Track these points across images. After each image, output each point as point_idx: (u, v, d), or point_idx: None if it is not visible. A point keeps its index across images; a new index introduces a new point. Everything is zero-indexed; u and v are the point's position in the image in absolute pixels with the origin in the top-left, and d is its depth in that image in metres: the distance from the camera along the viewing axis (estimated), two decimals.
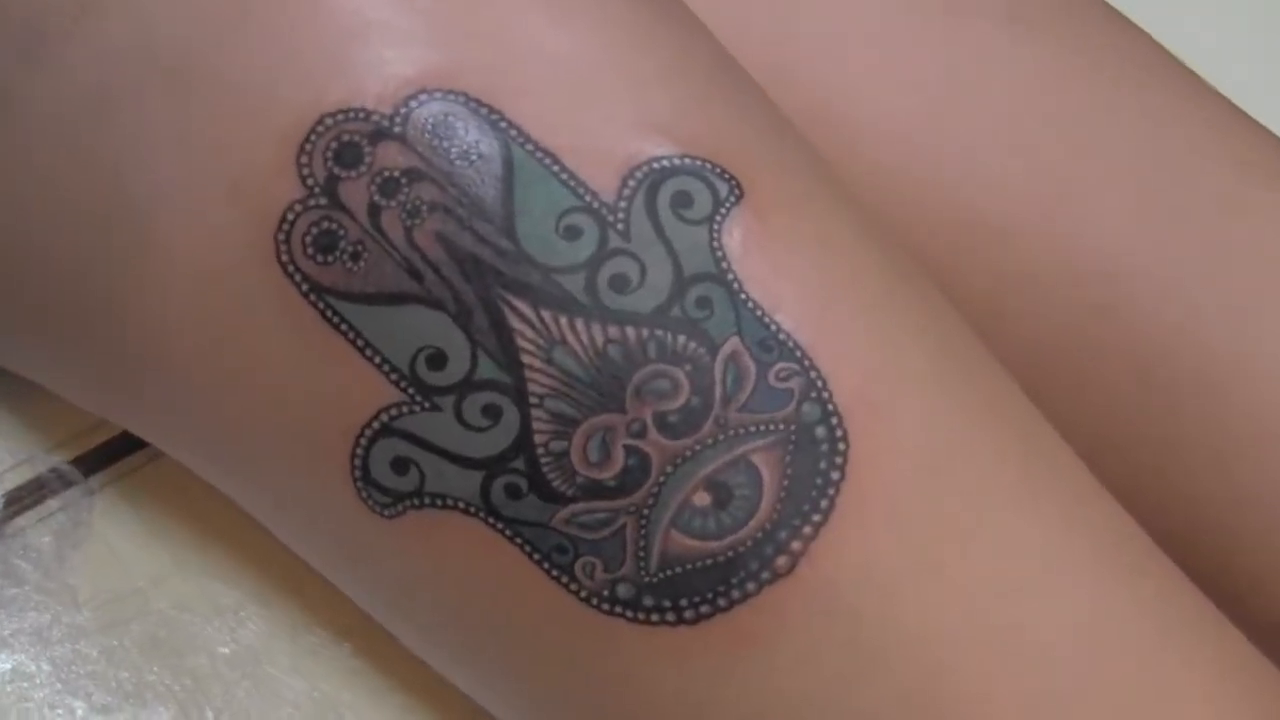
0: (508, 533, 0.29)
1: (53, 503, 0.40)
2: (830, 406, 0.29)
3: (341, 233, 0.29)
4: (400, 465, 0.30)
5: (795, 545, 0.29)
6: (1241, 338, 0.35)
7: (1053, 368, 0.37)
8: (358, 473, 0.30)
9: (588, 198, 0.29)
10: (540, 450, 0.29)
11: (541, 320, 0.29)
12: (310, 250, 0.29)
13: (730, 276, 0.29)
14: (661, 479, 0.29)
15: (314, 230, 0.29)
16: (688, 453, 0.28)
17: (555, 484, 0.29)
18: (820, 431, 0.29)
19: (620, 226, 0.29)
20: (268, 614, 0.38)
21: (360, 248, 0.29)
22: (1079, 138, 0.37)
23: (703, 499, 0.29)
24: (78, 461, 0.41)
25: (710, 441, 0.29)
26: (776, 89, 0.33)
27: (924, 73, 0.37)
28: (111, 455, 0.41)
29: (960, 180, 0.37)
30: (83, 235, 0.30)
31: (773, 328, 0.29)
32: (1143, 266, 0.37)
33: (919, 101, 0.37)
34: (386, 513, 0.30)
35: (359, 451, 0.30)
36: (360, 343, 0.29)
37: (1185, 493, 0.37)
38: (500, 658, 0.30)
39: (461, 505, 0.29)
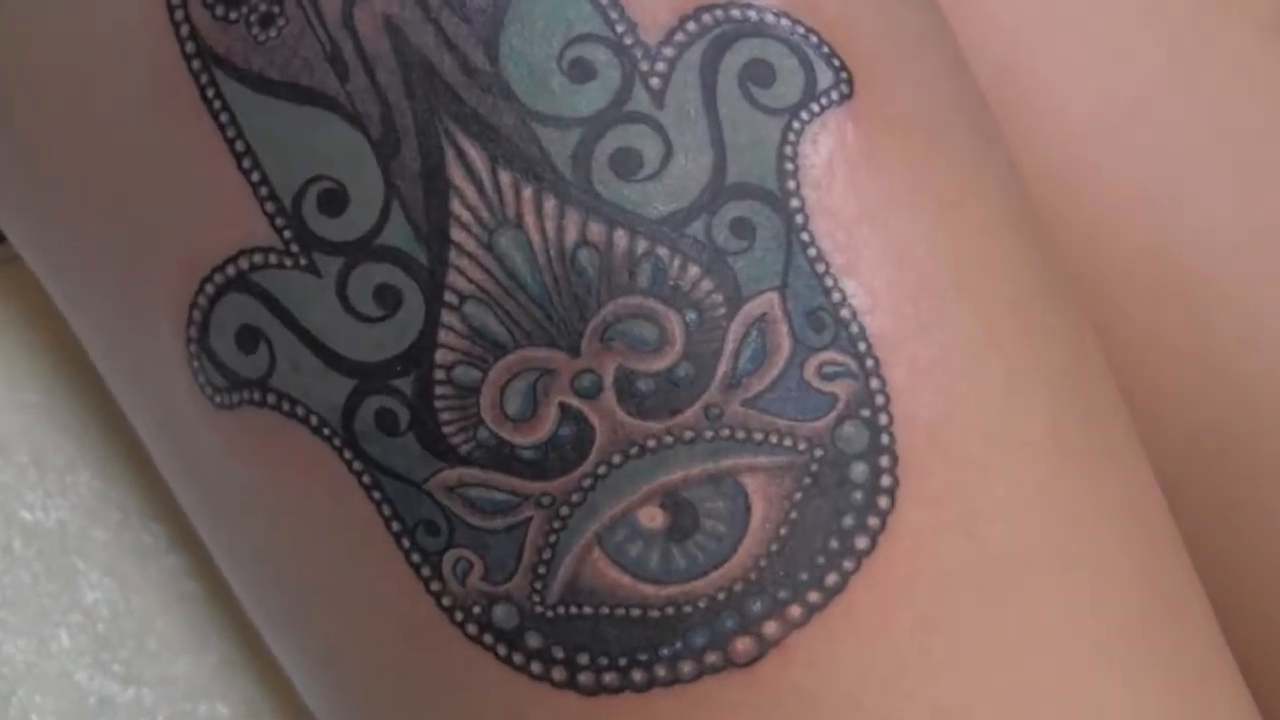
0: (365, 479, 0.23)
1: None
2: (884, 439, 0.23)
3: None
4: (248, 339, 0.24)
5: (770, 628, 0.22)
6: None
7: (1198, 479, 0.32)
8: (193, 333, 0.24)
9: (620, 28, 0.23)
10: (439, 375, 0.23)
11: (496, 184, 0.23)
12: None
13: (795, 203, 0.23)
14: (601, 470, 0.23)
15: None
16: (651, 443, 0.23)
17: (448, 430, 0.23)
18: (858, 471, 0.23)
19: (654, 82, 0.23)
20: (100, 488, 0.33)
21: (276, 10, 0.23)
22: None
23: (653, 518, 0.23)
24: None
25: (689, 436, 0.23)
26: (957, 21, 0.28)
27: (1149, 60, 0.33)
28: None
29: (1151, 201, 0.32)
30: None
31: (835, 296, 0.23)
32: None
33: (1131, 90, 0.33)
34: (218, 399, 0.24)
35: (201, 302, 0.24)
36: (240, 147, 0.24)
37: None
38: (321, 633, 0.26)
39: (314, 421, 0.24)
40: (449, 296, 0.23)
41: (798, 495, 0.22)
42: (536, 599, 0.23)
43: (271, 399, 0.24)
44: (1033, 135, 0.32)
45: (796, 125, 0.23)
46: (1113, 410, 0.26)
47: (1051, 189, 0.32)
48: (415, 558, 0.23)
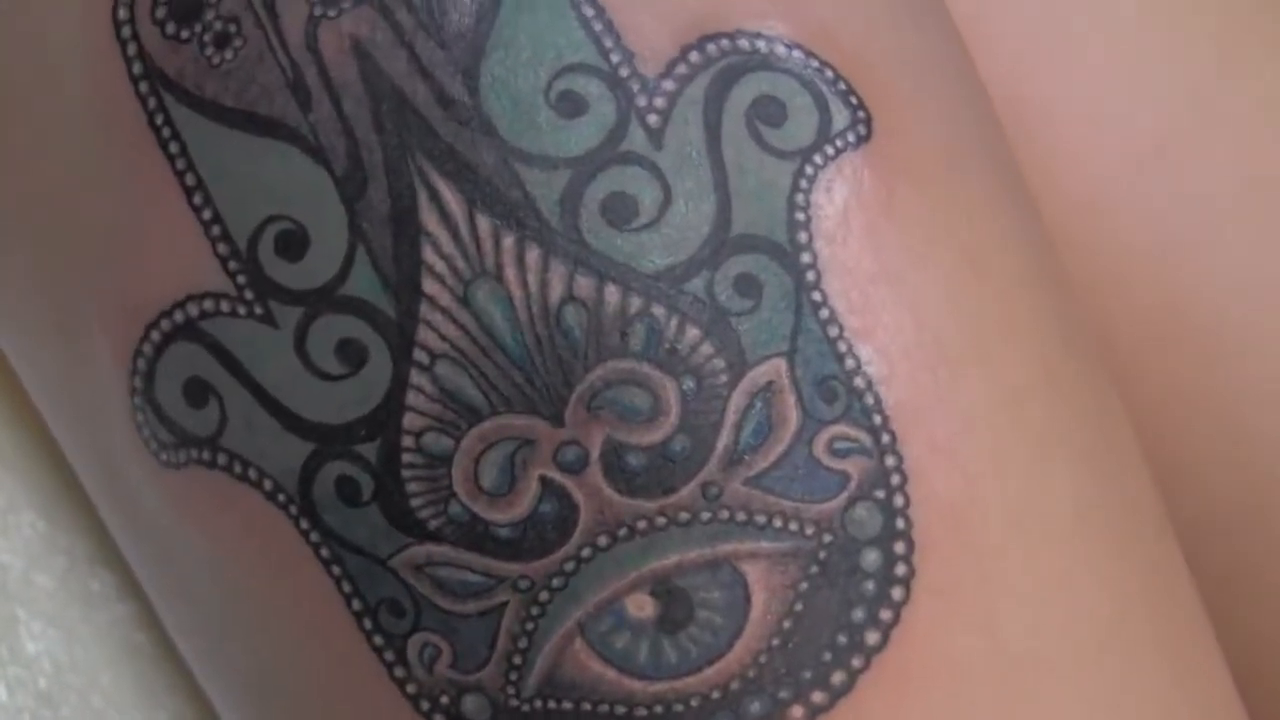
0: (323, 553, 0.22)
1: None
2: (900, 523, 0.21)
3: None
4: (197, 393, 0.22)
5: None
6: None
7: (1215, 546, 0.31)
8: (138, 383, 0.23)
9: (615, 58, 0.22)
10: (407, 441, 0.21)
11: (474, 230, 0.21)
12: (161, 14, 0.22)
13: (806, 259, 0.21)
14: (585, 552, 0.21)
15: None
16: (641, 524, 0.21)
17: (416, 502, 0.21)
18: (870, 559, 0.21)
19: (652, 119, 0.21)
20: (45, 530, 0.32)
21: (233, 30, 0.22)
22: None
23: (642, 607, 0.21)
24: None
25: (684, 517, 0.21)
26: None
27: (1168, 96, 0.32)
28: None
29: (1170, 247, 0.31)
30: None
31: (849, 363, 0.21)
32: None
33: (1149, 128, 0.32)
34: (164, 457, 0.23)
35: (146, 350, 0.23)
36: (191, 180, 0.22)
37: None
38: (274, 715, 0.24)
39: (268, 485, 0.22)
40: (419, 355, 0.21)
41: (803, 585, 0.21)
42: (511, 691, 0.21)
43: (222, 459, 0.22)
44: (1043, 178, 0.31)
45: (809, 170, 0.22)
46: (1135, 474, 0.25)
47: (1064, 233, 0.30)
48: (378, 640, 0.22)
